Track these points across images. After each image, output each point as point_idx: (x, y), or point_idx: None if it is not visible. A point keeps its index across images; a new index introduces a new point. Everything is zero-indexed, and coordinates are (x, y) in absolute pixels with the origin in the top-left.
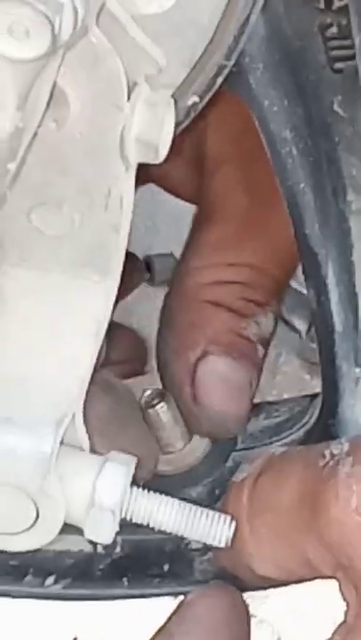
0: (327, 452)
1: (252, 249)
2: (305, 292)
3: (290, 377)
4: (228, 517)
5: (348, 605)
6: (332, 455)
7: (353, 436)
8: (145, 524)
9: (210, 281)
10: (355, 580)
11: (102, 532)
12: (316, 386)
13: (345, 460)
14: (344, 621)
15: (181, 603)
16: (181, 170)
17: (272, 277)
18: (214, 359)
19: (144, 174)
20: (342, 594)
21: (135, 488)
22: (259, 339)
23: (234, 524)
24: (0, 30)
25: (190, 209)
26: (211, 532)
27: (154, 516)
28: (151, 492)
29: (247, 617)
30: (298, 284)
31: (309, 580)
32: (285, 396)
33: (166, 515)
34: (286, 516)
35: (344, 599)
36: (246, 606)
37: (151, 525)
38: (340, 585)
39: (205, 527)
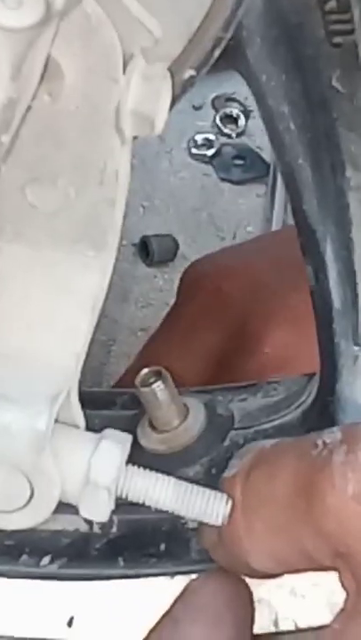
0: (320, 442)
1: None
2: None
3: None
4: (225, 495)
5: (347, 593)
6: (325, 444)
7: (346, 424)
8: (140, 502)
9: None
10: (354, 568)
11: (98, 509)
12: None
13: (339, 449)
14: (343, 609)
15: (185, 589)
16: None
17: None
18: None
19: None
20: (342, 583)
21: (131, 466)
22: None
23: (230, 501)
24: None
25: (188, 190)
26: (207, 509)
27: (149, 494)
28: (147, 470)
29: (251, 601)
30: None
31: (307, 571)
32: None
33: (162, 493)
34: (282, 509)
35: (344, 588)
36: (250, 590)
37: (147, 504)
38: (339, 574)
39: (201, 505)
